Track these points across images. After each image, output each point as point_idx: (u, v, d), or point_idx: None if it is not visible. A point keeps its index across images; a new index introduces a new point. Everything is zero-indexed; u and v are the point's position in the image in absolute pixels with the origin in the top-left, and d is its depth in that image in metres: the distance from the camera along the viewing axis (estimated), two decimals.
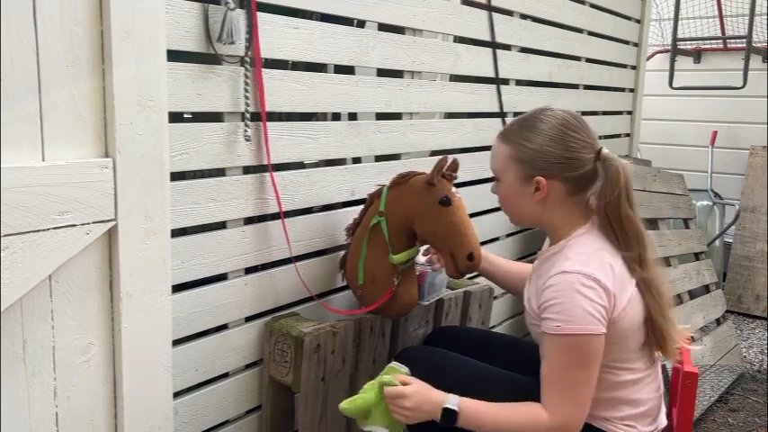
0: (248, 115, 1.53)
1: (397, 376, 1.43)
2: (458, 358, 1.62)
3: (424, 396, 1.39)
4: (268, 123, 1.58)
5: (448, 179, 1.65)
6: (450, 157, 1.65)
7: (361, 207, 1.76)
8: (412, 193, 1.65)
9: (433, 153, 2.22)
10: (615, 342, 1.38)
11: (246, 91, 1.52)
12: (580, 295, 1.32)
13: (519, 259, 2.76)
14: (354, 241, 1.76)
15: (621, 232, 1.41)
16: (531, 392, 1.51)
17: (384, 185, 1.72)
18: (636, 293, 1.40)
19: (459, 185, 2.28)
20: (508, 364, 1.62)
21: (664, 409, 1.53)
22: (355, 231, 1.75)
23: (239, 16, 1.46)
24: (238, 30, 1.45)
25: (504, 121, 2.50)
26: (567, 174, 1.41)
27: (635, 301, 1.39)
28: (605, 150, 1.42)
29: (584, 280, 1.33)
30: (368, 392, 1.43)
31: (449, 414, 1.37)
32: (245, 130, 1.52)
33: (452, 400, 1.38)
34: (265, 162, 1.60)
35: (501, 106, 2.47)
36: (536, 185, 1.42)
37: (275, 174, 1.64)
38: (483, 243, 2.35)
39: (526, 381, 1.55)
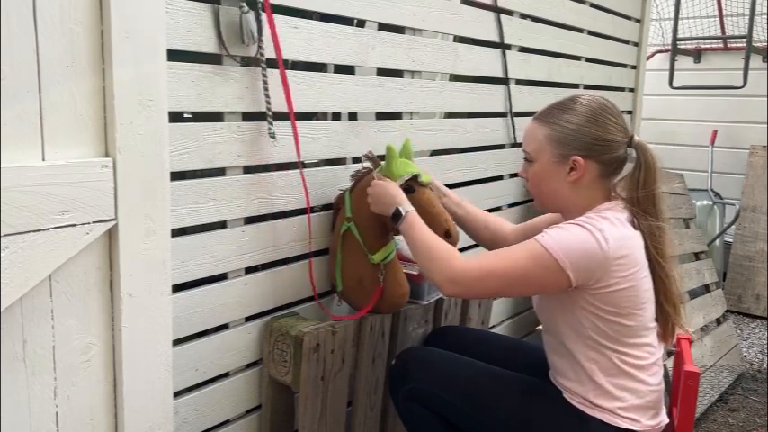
0: (271, 113, 1.55)
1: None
2: (458, 358, 1.63)
3: (389, 193, 1.59)
4: (267, 123, 1.58)
5: None
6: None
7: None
8: None
9: (433, 153, 2.22)
10: (629, 314, 1.41)
11: (266, 90, 1.53)
12: (584, 241, 1.36)
13: None
14: (330, 250, 1.77)
15: (652, 210, 1.46)
16: (543, 393, 1.52)
17: (345, 190, 1.72)
18: (646, 267, 1.44)
19: (460, 185, 2.29)
20: (512, 366, 1.62)
21: (665, 407, 1.54)
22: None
23: (252, 17, 1.47)
24: (255, 30, 1.47)
25: (512, 121, 2.51)
26: (603, 156, 1.46)
27: (644, 272, 1.43)
28: (637, 137, 1.48)
29: (595, 232, 1.37)
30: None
31: (397, 213, 1.56)
32: (270, 128, 1.55)
33: (408, 207, 1.56)
34: (265, 162, 1.61)
35: (510, 105, 2.47)
36: (572, 166, 1.46)
37: (276, 174, 1.65)
38: None
39: (537, 382, 1.55)
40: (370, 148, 1.84)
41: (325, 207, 1.81)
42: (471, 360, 1.62)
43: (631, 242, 1.41)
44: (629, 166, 1.50)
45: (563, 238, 1.37)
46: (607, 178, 1.49)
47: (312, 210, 1.80)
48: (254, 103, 1.56)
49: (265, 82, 1.53)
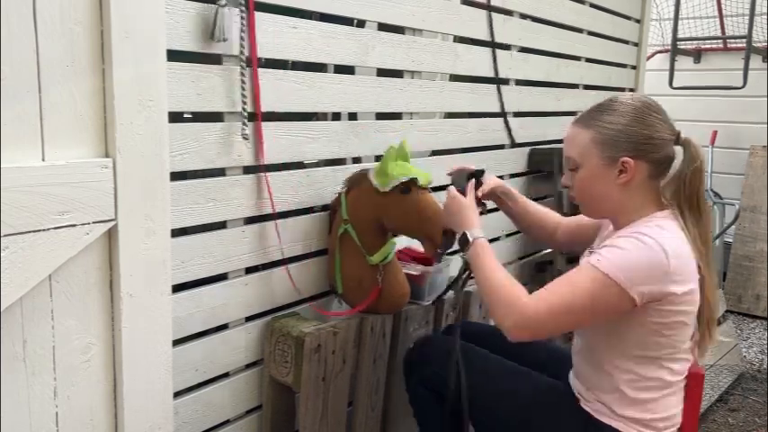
0: (246, 114, 1.52)
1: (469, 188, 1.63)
2: (474, 349, 1.62)
3: (461, 212, 1.55)
4: (268, 123, 1.58)
5: None
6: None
7: None
8: (371, 192, 1.65)
9: (434, 153, 2.22)
10: (674, 331, 1.36)
11: (243, 90, 1.52)
12: (643, 257, 1.29)
13: (519, 259, 2.76)
14: (328, 252, 1.77)
15: (696, 210, 1.40)
16: (557, 392, 1.51)
17: (341, 192, 1.72)
18: (697, 286, 1.37)
19: None
20: (527, 362, 1.62)
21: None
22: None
23: (232, 13, 1.46)
24: (230, 27, 1.45)
25: (506, 121, 2.51)
26: (652, 155, 1.39)
27: (695, 293, 1.37)
28: (684, 134, 1.42)
29: (657, 248, 1.29)
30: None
31: (464, 238, 1.51)
32: (243, 129, 1.52)
33: (476, 233, 1.50)
34: (265, 162, 1.60)
35: (502, 106, 2.47)
36: (621, 167, 1.39)
37: (275, 174, 1.64)
38: None
39: (552, 381, 1.55)
40: (369, 148, 1.85)
41: (325, 208, 1.81)
42: (486, 352, 1.62)
43: (689, 252, 1.35)
44: (675, 165, 1.44)
45: (622, 259, 1.30)
46: (656, 179, 1.42)
47: (312, 209, 1.80)
48: (252, 103, 1.55)
49: (243, 81, 1.51)
